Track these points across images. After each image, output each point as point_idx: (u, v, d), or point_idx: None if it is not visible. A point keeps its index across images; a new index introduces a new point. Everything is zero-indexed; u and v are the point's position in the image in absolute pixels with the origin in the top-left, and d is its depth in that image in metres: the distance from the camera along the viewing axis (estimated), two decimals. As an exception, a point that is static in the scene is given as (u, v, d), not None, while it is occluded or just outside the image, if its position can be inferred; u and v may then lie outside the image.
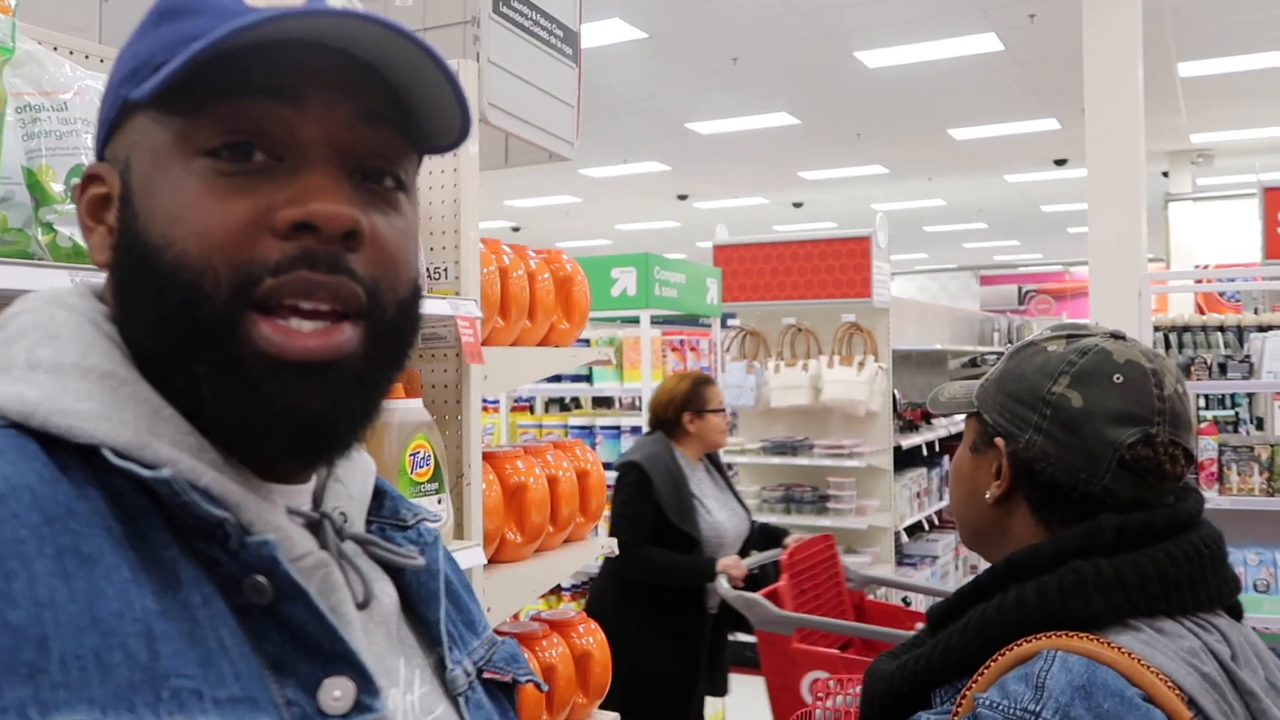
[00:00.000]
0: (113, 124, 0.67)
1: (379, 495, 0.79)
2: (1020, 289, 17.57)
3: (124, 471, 0.57)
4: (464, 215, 1.85)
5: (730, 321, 6.52)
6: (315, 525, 0.68)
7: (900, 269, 19.40)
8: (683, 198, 15.03)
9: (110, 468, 0.57)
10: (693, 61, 8.55)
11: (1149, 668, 1.00)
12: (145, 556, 0.57)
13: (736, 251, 6.23)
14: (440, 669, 0.74)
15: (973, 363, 9.40)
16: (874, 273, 5.83)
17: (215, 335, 0.60)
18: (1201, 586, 1.09)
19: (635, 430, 4.05)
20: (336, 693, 0.60)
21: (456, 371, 1.86)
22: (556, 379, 4.58)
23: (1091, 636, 1.03)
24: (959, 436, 7.79)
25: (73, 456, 0.57)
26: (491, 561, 1.95)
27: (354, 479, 0.75)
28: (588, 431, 4.17)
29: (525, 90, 2.00)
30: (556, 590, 4.35)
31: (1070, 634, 1.04)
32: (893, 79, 9.08)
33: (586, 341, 3.66)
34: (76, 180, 0.68)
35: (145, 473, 0.57)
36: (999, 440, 1.21)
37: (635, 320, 4.13)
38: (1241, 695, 1.04)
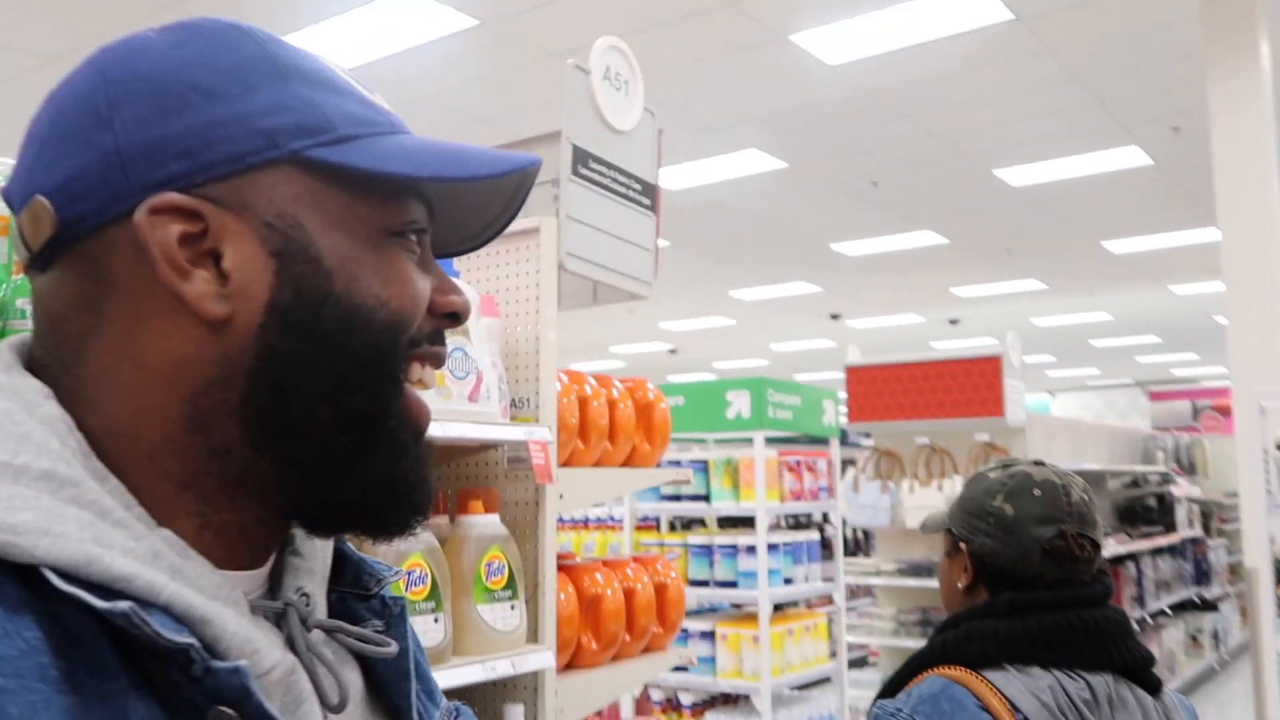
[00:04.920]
0: (237, 162, 0.60)
1: (338, 560, 0.74)
2: (1194, 405, 16.56)
3: (70, 598, 0.50)
4: (543, 352, 2.09)
5: (865, 441, 6.55)
6: (279, 615, 0.64)
7: (1066, 385, 18.71)
8: (835, 317, 15.11)
9: (51, 590, 0.50)
10: (832, 186, 8.77)
11: (996, 691, 1.41)
12: (88, 696, 0.50)
13: (868, 372, 6.30)
14: None
15: (1134, 483, 8.97)
16: (1006, 391, 5.79)
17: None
18: (1074, 648, 1.47)
19: (750, 550, 4.16)
20: None
21: (535, 490, 2.06)
22: (676, 498, 4.75)
23: (968, 670, 1.47)
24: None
25: (6, 575, 0.50)
26: (568, 666, 2.12)
27: (314, 552, 0.71)
28: (706, 550, 4.30)
29: (603, 239, 2.24)
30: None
31: (954, 667, 1.48)
32: (1038, 195, 9.05)
33: (677, 463, 3.84)
34: (151, 214, 0.58)
35: (99, 604, 0.50)
36: (963, 545, 1.63)
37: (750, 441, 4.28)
38: None
